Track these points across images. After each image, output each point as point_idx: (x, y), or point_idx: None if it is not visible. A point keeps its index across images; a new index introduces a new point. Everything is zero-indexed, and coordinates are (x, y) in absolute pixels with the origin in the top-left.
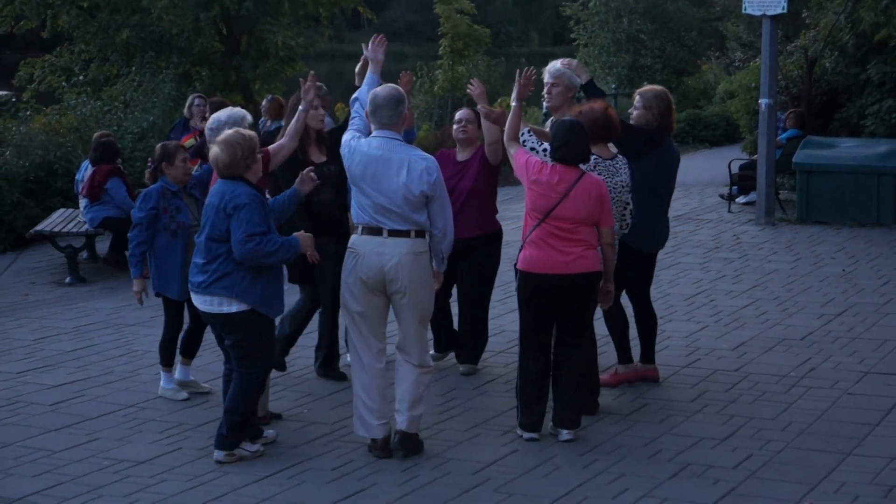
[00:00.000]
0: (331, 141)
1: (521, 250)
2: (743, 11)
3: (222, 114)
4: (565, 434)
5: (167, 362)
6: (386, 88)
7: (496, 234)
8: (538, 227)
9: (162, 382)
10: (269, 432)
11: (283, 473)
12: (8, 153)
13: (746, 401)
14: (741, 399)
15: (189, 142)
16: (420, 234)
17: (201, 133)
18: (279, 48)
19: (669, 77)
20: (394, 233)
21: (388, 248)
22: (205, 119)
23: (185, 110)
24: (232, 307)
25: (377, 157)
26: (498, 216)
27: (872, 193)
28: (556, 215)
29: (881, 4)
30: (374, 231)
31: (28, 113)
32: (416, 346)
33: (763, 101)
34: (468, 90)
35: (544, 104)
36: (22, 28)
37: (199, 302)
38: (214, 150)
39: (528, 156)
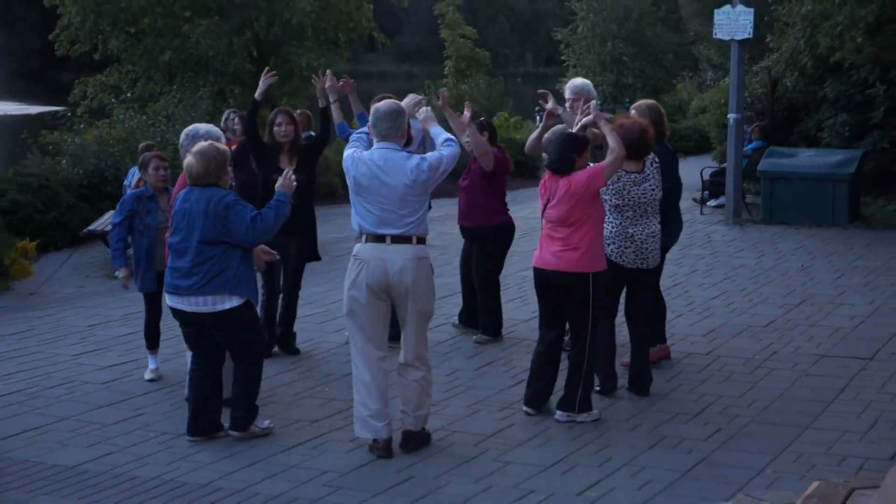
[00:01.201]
0: (303, 154)
1: None
2: (714, 36)
3: (201, 127)
4: (558, 414)
5: (151, 346)
6: (386, 103)
7: (497, 227)
8: (542, 228)
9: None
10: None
11: (307, 444)
12: (64, 162)
13: (716, 381)
14: (711, 379)
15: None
16: (421, 240)
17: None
18: (303, 68)
19: (648, 94)
20: (396, 239)
21: (391, 254)
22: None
23: (222, 123)
24: (227, 304)
25: (379, 167)
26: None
27: (828, 198)
28: (546, 216)
29: (836, 31)
30: (378, 238)
31: (82, 126)
32: (416, 347)
33: (731, 116)
34: (437, 104)
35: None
36: (76, 51)
37: (189, 304)
38: (189, 160)
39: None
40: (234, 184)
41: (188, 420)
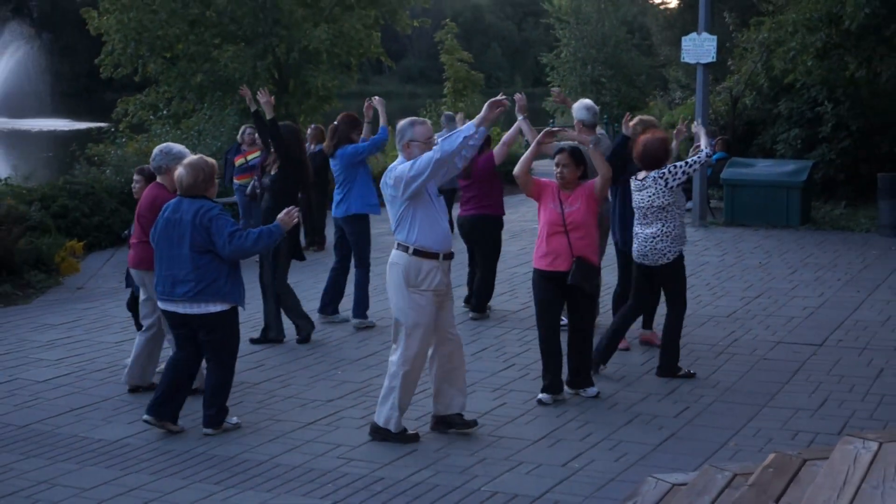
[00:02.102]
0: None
1: None
2: (682, 60)
3: (174, 146)
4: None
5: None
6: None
7: (492, 217)
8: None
9: None
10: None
11: (322, 421)
12: (108, 171)
13: (684, 364)
14: (680, 363)
15: (253, 155)
16: (401, 246)
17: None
18: (319, 89)
19: (624, 112)
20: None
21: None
22: (254, 143)
23: (238, 136)
24: (216, 307)
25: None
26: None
27: (782, 202)
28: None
29: (789, 55)
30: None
31: (123, 140)
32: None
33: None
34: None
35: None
36: (119, 74)
37: (182, 308)
38: (180, 171)
39: None
40: (257, 186)
41: (151, 400)
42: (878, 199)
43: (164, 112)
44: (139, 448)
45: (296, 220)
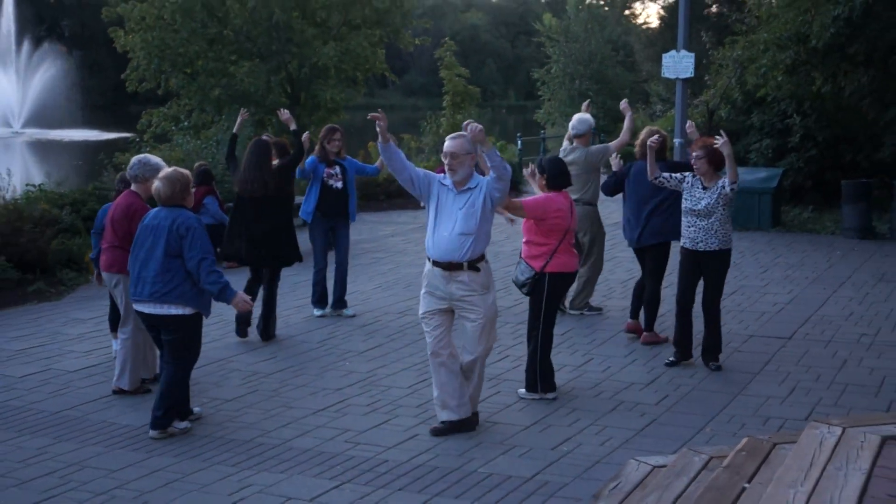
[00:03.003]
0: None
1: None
2: (662, 75)
3: (151, 157)
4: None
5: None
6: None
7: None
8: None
9: None
10: (196, 409)
11: (331, 408)
12: None
13: (665, 356)
14: (661, 355)
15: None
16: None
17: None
18: (328, 102)
19: (609, 123)
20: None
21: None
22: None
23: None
24: (179, 310)
25: None
26: None
27: (755, 207)
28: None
29: (760, 71)
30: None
31: (147, 149)
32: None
33: (677, 140)
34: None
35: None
36: (143, 88)
37: (149, 308)
38: (157, 185)
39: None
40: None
41: (154, 404)
42: (842, 204)
43: (185, 123)
44: (148, 434)
45: (249, 306)
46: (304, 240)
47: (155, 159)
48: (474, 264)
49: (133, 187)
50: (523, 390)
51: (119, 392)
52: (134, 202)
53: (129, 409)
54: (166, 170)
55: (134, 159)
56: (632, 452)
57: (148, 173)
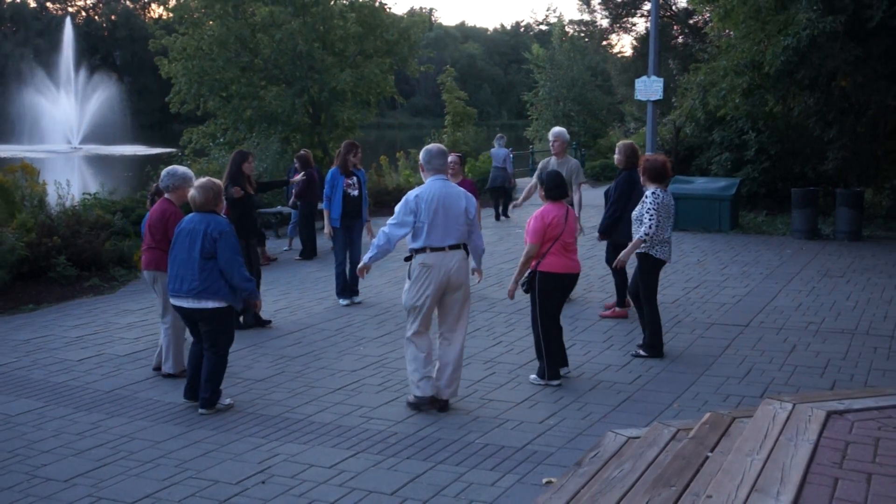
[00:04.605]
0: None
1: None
2: (635, 98)
3: (178, 168)
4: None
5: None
6: (436, 145)
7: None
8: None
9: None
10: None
11: (347, 387)
12: None
13: (638, 341)
14: (634, 340)
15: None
16: (464, 246)
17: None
18: (345, 121)
19: (589, 140)
20: (453, 247)
21: (451, 258)
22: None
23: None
24: (213, 304)
25: (444, 193)
26: None
27: (715, 211)
28: (568, 234)
29: (720, 94)
30: (441, 249)
31: (188, 162)
32: (462, 328)
33: (648, 154)
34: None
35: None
36: (185, 109)
37: (187, 302)
38: (192, 192)
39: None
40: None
41: (185, 385)
42: (792, 209)
43: (221, 140)
44: (198, 412)
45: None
46: (322, 241)
47: (182, 169)
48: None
49: (166, 195)
50: (534, 376)
51: (159, 371)
52: (167, 208)
53: (172, 388)
54: (201, 180)
55: (163, 172)
56: (609, 425)
57: (178, 182)
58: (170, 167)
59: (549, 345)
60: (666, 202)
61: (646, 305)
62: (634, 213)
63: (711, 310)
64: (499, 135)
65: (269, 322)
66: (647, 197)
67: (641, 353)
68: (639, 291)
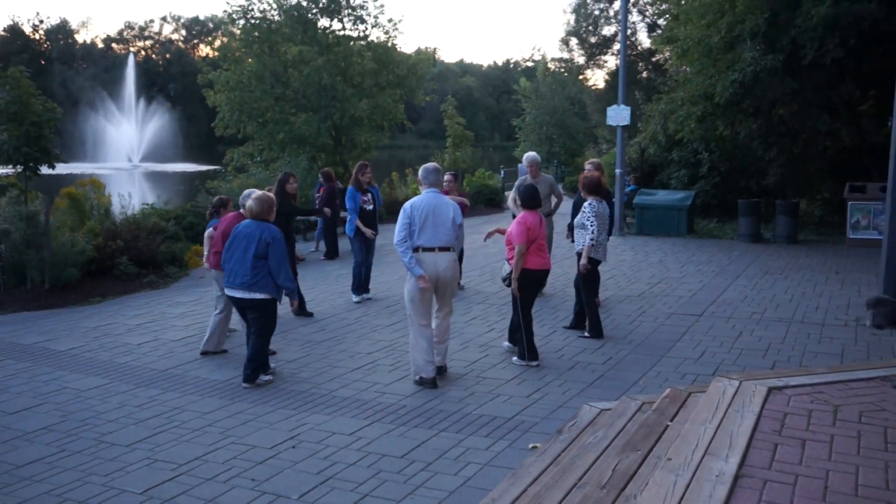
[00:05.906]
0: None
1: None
2: (606, 123)
3: (254, 191)
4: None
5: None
6: (432, 164)
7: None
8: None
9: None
10: (273, 366)
11: (364, 367)
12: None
13: (608, 328)
14: (606, 328)
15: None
16: (451, 248)
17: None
18: (362, 143)
19: (568, 159)
20: (443, 248)
21: (440, 258)
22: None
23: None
24: (261, 295)
25: (434, 203)
26: None
27: (674, 219)
28: (541, 237)
29: (679, 120)
30: (431, 249)
31: (230, 177)
32: (449, 312)
33: (618, 171)
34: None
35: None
36: (227, 133)
37: (239, 293)
38: (250, 203)
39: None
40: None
41: (245, 365)
42: (739, 217)
43: (258, 158)
44: (241, 386)
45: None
46: (343, 244)
47: (257, 192)
48: None
49: (242, 210)
50: (516, 358)
51: (204, 354)
52: (240, 221)
53: (217, 368)
54: (257, 192)
55: (244, 193)
56: (585, 399)
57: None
58: (248, 190)
59: (530, 329)
60: (601, 210)
61: (585, 297)
62: (577, 221)
63: (671, 301)
64: (520, 164)
65: (312, 314)
66: (585, 207)
67: (586, 334)
68: (580, 285)
